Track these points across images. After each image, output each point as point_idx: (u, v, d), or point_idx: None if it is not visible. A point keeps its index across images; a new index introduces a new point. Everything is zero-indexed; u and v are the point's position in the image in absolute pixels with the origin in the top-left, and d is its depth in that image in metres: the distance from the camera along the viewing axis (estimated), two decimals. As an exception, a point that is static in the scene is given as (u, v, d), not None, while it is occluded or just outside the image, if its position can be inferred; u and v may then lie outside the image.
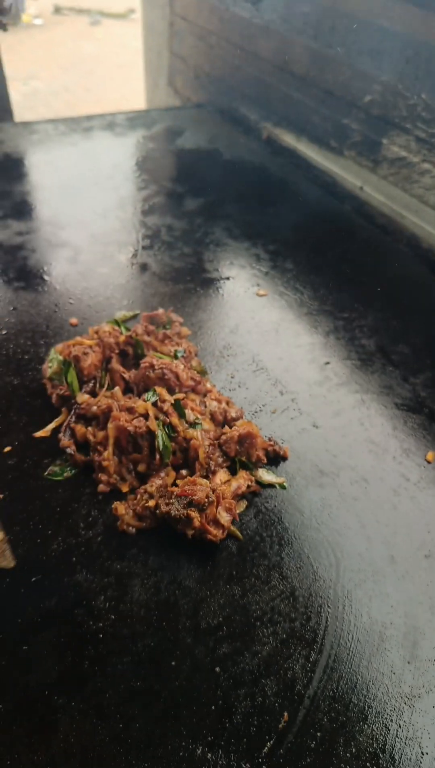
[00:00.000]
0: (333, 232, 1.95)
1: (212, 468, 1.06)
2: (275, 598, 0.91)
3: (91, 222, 1.90)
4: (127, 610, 0.88)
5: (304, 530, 1.02)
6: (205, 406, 1.16)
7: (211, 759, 0.74)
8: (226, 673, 0.82)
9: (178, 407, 1.11)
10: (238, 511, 1.02)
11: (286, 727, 0.77)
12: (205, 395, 1.20)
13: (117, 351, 1.26)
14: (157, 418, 1.08)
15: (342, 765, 0.74)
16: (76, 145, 2.42)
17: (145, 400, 1.11)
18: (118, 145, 2.46)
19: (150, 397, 1.12)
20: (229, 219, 1.97)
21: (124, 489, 1.05)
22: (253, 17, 2.51)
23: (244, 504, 1.05)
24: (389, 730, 0.78)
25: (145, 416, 1.08)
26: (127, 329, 1.33)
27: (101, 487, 1.05)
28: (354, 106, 2.05)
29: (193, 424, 1.10)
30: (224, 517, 0.98)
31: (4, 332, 1.42)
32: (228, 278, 1.68)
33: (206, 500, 0.96)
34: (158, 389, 1.13)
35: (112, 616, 0.87)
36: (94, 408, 1.12)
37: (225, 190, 2.16)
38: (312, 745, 0.75)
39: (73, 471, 1.09)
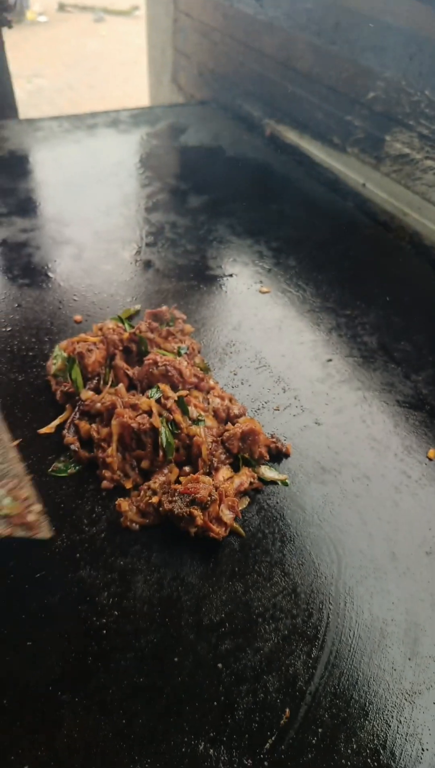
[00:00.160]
0: (335, 229, 1.95)
1: (215, 465, 1.06)
2: (277, 595, 0.92)
3: (94, 219, 1.90)
4: (130, 606, 0.89)
5: (306, 527, 1.02)
6: (208, 403, 1.17)
7: (213, 755, 0.74)
8: (228, 669, 0.82)
9: (182, 404, 1.11)
10: (240, 508, 1.02)
11: (288, 723, 0.77)
12: (208, 392, 1.20)
13: (121, 348, 1.26)
14: (160, 415, 1.08)
15: (343, 761, 0.74)
16: (80, 142, 2.42)
17: (148, 397, 1.12)
18: (122, 142, 2.46)
19: (153, 394, 1.12)
20: (233, 216, 1.97)
21: (128, 485, 1.05)
22: (256, 14, 2.51)
23: (246, 501, 1.05)
24: (390, 726, 0.78)
25: (149, 413, 1.08)
26: (131, 326, 1.34)
27: (105, 484, 1.06)
28: (357, 103, 2.05)
29: (196, 421, 1.10)
30: (227, 515, 0.98)
31: (8, 329, 1.42)
32: (231, 275, 1.68)
33: (209, 498, 0.96)
34: (162, 386, 1.13)
35: (116, 613, 0.88)
36: (98, 405, 1.13)
37: (228, 187, 2.16)
38: (313, 741, 0.76)
39: (77, 467, 1.10)
